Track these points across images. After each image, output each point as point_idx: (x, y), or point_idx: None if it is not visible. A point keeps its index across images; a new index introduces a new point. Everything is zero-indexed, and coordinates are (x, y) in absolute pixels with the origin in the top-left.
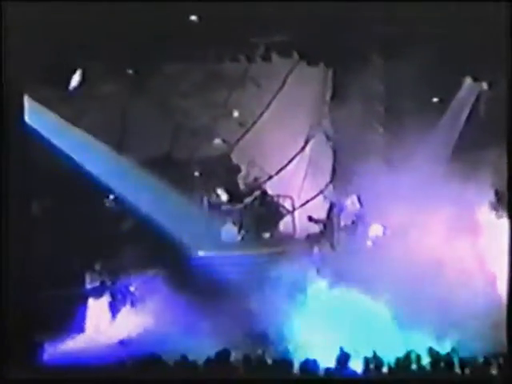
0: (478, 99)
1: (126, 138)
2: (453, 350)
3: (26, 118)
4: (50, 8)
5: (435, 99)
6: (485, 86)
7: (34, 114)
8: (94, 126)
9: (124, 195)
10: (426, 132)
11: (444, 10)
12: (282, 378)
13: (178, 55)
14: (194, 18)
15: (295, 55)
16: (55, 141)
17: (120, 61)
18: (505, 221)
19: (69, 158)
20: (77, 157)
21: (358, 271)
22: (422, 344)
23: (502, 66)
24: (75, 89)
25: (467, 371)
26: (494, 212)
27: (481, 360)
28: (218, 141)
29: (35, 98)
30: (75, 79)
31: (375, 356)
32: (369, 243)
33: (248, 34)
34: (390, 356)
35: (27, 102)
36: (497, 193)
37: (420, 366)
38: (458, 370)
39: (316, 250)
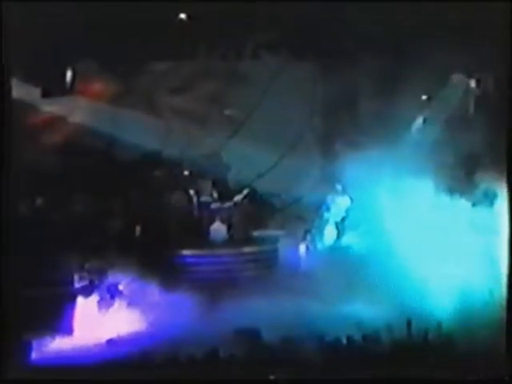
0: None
1: (117, 136)
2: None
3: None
4: (41, 7)
5: (424, 96)
6: (473, 83)
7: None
8: (85, 123)
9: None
10: (415, 129)
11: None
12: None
13: (168, 53)
14: (183, 16)
15: (284, 53)
16: None
17: (110, 59)
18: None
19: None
20: None
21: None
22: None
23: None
24: (66, 86)
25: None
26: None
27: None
28: (207, 139)
29: (25, 95)
30: (67, 77)
31: None
32: (357, 240)
33: (237, 31)
34: None
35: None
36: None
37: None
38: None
39: (305, 247)
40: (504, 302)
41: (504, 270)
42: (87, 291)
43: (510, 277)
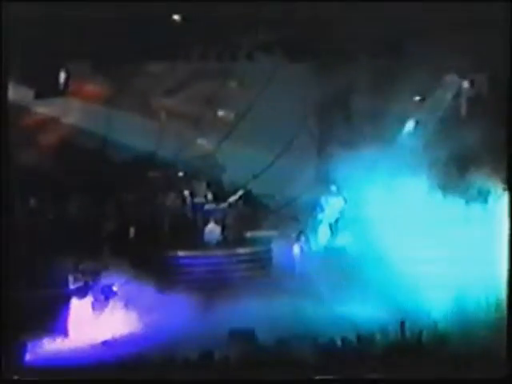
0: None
1: (111, 138)
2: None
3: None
4: (33, 7)
5: (418, 96)
6: (466, 83)
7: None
8: (79, 124)
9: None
10: (409, 129)
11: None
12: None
13: (163, 54)
14: (176, 17)
15: (279, 54)
16: None
17: (104, 60)
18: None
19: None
20: None
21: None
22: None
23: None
24: (60, 88)
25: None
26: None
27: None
28: (202, 140)
29: (18, 97)
30: (60, 78)
31: None
32: (351, 241)
33: (232, 32)
34: None
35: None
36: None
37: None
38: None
39: (299, 248)
40: (502, 302)
41: (500, 269)
42: (82, 292)
43: (510, 275)
